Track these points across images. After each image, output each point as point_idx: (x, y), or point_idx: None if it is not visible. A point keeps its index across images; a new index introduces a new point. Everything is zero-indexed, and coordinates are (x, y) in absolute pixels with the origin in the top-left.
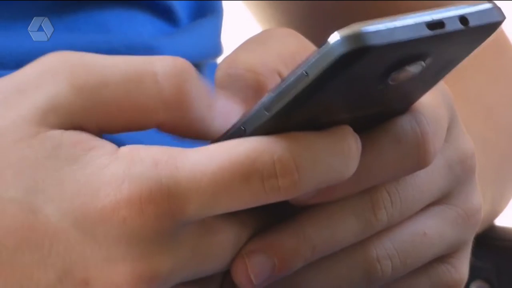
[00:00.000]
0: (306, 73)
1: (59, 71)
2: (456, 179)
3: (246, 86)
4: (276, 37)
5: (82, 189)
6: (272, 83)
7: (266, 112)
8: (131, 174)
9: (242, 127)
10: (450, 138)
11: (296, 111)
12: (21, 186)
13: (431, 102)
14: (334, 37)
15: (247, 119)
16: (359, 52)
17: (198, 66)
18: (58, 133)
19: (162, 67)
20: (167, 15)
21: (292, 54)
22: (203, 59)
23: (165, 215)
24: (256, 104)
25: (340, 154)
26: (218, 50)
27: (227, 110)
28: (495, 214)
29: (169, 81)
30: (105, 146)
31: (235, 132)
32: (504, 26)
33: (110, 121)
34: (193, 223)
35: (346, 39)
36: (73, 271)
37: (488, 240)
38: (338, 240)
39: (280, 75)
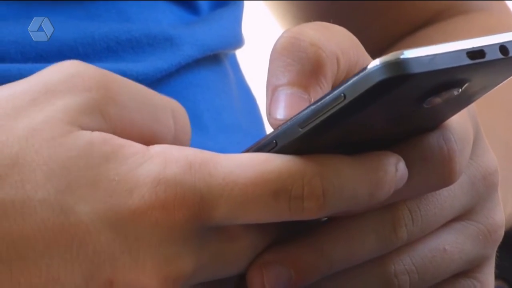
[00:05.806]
0: (344, 95)
1: (91, 77)
2: (478, 195)
3: (307, 58)
4: (336, 28)
5: (116, 188)
6: (331, 64)
7: (299, 129)
8: (167, 176)
9: (274, 140)
10: (474, 154)
11: (329, 130)
12: (52, 186)
13: (459, 119)
14: (374, 63)
15: (279, 133)
16: (398, 79)
17: (217, 56)
18: (87, 132)
19: (177, 106)
20: (188, 4)
21: (348, 48)
22: (222, 49)
23: (194, 218)
24: (291, 119)
25: (367, 184)
26: (238, 41)
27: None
28: None
29: (182, 119)
30: (134, 144)
31: (266, 144)
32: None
33: (127, 135)
34: (215, 228)
35: (386, 65)
36: (100, 272)
37: (506, 239)
38: (356, 256)
39: (338, 60)
